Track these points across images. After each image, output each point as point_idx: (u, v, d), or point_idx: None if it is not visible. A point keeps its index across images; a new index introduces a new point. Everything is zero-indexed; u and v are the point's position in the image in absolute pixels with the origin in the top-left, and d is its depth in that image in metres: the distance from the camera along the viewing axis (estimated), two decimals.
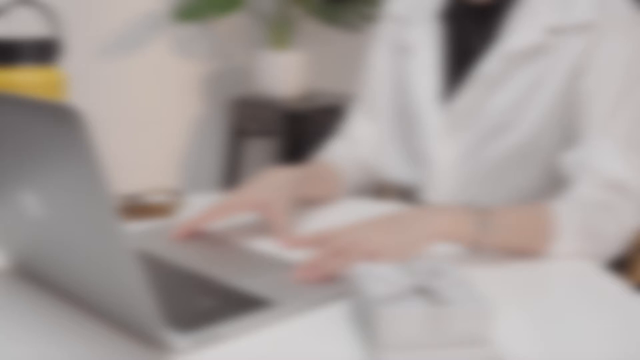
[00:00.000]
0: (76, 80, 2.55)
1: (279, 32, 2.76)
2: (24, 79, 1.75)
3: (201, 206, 1.35)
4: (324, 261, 0.98)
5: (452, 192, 1.37)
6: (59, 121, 0.70)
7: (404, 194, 1.47)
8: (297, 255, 1.06)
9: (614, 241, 1.16)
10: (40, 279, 0.94)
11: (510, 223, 1.08)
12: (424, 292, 0.80)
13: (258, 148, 3.00)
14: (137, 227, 1.21)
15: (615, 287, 1.01)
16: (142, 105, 2.76)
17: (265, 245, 1.11)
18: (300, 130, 2.61)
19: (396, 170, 1.47)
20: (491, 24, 1.32)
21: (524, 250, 1.10)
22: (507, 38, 1.29)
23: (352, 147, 1.50)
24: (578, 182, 1.20)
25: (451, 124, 1.34)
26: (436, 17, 1.39)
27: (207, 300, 0.89)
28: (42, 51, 1.80)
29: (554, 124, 1.27)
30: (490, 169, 1.33)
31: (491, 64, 1.30)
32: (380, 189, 1.52)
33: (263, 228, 1.18)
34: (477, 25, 1.35)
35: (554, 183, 1.29)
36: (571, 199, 1.16)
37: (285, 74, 2.75)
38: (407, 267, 0.86)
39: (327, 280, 0.96)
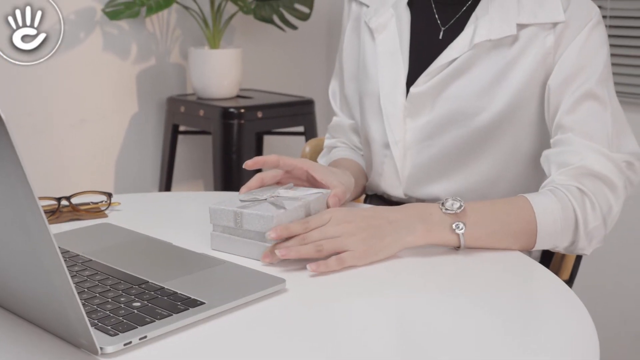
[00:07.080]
0: (9, 79, 2.51)
1: (214, 30, 2.76)
2: None
3: (135, 207, 1.34)
4: (296, 247, 1.06)
5: (411, 177, 1.39)
6: None
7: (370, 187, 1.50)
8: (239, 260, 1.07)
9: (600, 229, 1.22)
10: None
11: (488, 223, 1.14)
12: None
13: (193, 146, 3.00)
14: (68, 229, 1.20)
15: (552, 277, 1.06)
16: (77, 104, 2.72)
17: (199, 246, 1.12)
18: (234, 127, 2.62)
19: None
20: (458, 13, 1.36)
21: (505, 248, 1.16)
22: (477, 28, 1.31)
23: (354, 149, 1.57)
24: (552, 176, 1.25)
25: (413, 108, 1.35)
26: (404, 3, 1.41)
27: (136, 302, 0.89)
28: None
29: (516, 114, 1.30)
30: (450, 154, 1.35)
31: (457, 52, 1.32)
32: None
33: (196, 228, 1.19)
34: (444, 13, 1.38)
35: (515, 170, 1.34)
36: (551, 193, 1.20)
37: (219, 71, 2.75)
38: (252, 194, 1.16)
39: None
